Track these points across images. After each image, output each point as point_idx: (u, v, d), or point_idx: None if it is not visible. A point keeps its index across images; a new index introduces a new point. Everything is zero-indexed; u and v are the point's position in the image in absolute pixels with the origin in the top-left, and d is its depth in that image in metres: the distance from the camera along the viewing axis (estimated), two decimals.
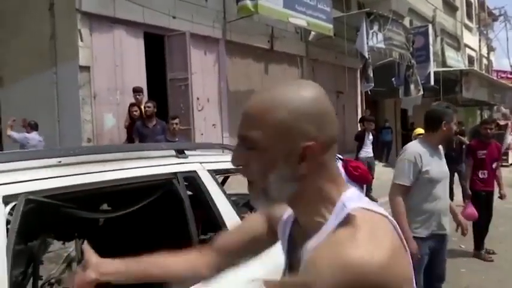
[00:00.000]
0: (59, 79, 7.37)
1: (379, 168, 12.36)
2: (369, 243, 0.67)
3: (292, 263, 0.88)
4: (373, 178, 8.07)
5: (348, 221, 0.72)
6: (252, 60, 9.76)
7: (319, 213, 0.77)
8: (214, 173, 1.82)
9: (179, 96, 7.64)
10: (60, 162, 1.41)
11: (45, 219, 1.41)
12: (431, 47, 13.87)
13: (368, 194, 7.96)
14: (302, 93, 0.76)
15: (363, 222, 0.71)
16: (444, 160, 2.78)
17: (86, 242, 0.90)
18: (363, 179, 5.58)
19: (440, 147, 2.83)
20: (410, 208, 2.68)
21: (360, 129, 8.77)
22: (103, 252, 2.48)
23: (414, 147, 2.75)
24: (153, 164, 1.61)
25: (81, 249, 2.53)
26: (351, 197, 0.78)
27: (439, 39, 18.13)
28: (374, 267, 0.64)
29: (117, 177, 1.45)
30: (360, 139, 8.00)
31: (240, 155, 0.77)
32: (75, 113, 6.87)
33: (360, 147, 7.89)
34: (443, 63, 17.75)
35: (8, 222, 1.17)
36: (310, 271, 0.69)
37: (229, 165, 2.09)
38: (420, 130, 8.53)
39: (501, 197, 4.94)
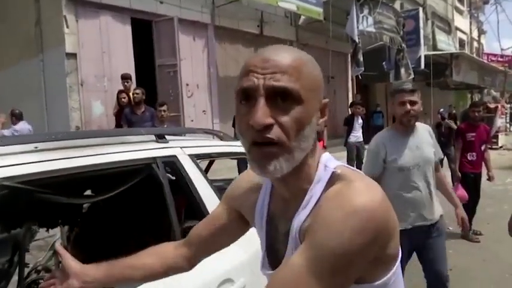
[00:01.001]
0: (45, 66, 7.28)
1: None
2: (367, 191, 0.71)
3: (272, 242, 0.88)
4: (362, 163, 8.14)
5: (337, 177, 0.76)
6: (242, 46, 9.70)
7: (306, 179, 0.79)
8: (195, 157, 1.82)
9: (168, 82, 7.59)
10: (36, 148, 1.40)
11: (23, 206, 1.41)
12: (421, 31, 13.85)
13: None
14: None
15: (351, 175, 0.76)
16: (427, 146, 2.51)
17: (58, 244, 0.81)
18: None
19: (424, 132, 2.56)
20: None
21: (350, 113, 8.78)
22: (86, 239, 2.48)
23: (379, 135, 2.59)
24: (132, 149, 1.61)
25: (67, 237, 2.54)
26: (328, 158, 0.81)
27: (429, 22, 18.11)
28: (380, 209, 0.69)
29: (96, 162, 1.45)
30: (349, 123, 8.02)
31: (269, 111, 0.71)
32: (63, 101, 6.81)
33: (349, 132, 7.91)
34: (434, 47, 17.76)
35: None
36: (322, 232, 0.68)
37: (212, 150, 2.10)
38: None
39: (489, 178, 5.02)
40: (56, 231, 2.64)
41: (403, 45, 12.31)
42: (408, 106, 2.37)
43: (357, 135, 7.89)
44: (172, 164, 1.70)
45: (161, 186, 1.59)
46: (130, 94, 6.13)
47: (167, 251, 1.06)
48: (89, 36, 6.92)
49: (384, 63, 12.81)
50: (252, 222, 0.96)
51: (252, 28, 9.73)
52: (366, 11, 10.31)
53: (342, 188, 0.73)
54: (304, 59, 0.76)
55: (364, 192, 0.70)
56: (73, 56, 6.80)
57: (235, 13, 9.06)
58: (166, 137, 1.83)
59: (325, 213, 0.70)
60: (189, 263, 1.05)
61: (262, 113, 0.70)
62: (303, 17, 10.66)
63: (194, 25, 8.49)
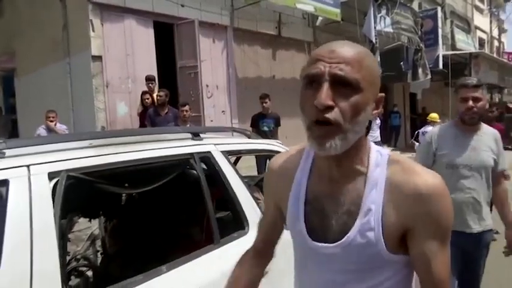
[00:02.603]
0: (72, 69, 7.57)
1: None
2: (427, 172, 0.91)
3: (315, 219, 0.95)
4: None
5: (393, 161, 0.92)
6: (260, 47, 9.84)
7: (361, 162, 0.92)
8: (227, 153, 1.99)
9: (189, 83, 7.79)
10: (91, 144, 1.58)
11: (81, 195, 1.59)
12: (440, 30, 13.76)
13: None
14: None
15: (405, 159, 0.94)
16: (486, 150, 2.28)
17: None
18: None
19: (488, 136, 2.32)
20: None
21: None
22: (124, 229, 2.66)
23: (436, 128, 2.51)
24: (172, 145, 1.78)
25: (104, 227, 2.73)
26: (376, 146, 0.97)
27: (448, 21, 17.92)
28: (443, 184, 0.90)
29: (140, 157, 1.63)
30: None
31: (331, 95, 0.82)
32: (89, 102, 7.07)
33: (367, 132, 7.96)
34: (453, 47, 17.57)
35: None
36: (439, 219, 0.87)
37: (241, 147, 2.26)
38: (434, 115, 8.60)
39: (504, 177, 5.05)
40: (95, 223, 2.85)
41: (421, 45, 12.26)
42: (470, 103, 2.20)
43: (374, 135, 7.96)
44: (207, 159, 1.87)
45: (198, 179, 1.75)
46: (154, 95, 6.35)
47: (250, 273, 1.13)
48: (113, 39, 7.17)
49: (401, 63, 12.77)
50: (285, 203, 1.02)
51: (270, 30, 9.87)
52: (383, 12, 10.33)
53: (413, 178, 0.89)
54: (366, 54, 0.88)
55: (425, 172, 0.91)
56: (98, 58, 7.05)
57: (253, 15, 9.21)
58: (200, 135, 2.00)
59: (432, 210, 0.87)
60: (263, 270, 1.16)
61: (325, 95, 0.82)
62: (320, 18, 10.74)
63: (214, 27, 8.67)
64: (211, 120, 8.50)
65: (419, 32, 12.18)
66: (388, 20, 10.43)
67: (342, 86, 0.83)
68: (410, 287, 0.98)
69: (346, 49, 0.86)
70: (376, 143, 5.49)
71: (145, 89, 6.86)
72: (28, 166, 1.27)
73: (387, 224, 0.88)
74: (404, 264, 0.92)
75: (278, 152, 2.41)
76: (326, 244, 0.93)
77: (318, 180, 0.97)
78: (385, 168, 0.91)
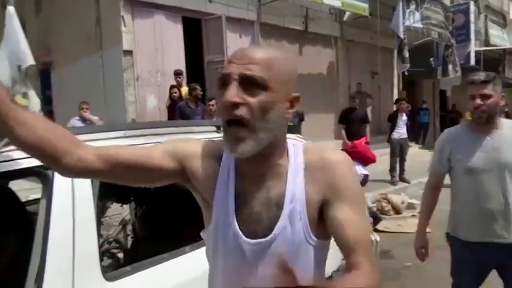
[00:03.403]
0: (104, 63, 7.87)
1: (415, 150, 12.28)
2: (334, 149, 1.03)
3: (245, 214, 0.95)
4: (404, 160, 8.13)
5: (308, 149, 1.00)
6: (287, 42, 9.89)
7: (281, 157, 0.96)
8: None
9: (216, 78, 7.92)
10: (125, 134, 1.73)
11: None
12: (472, 25, 13.38)
13: (401, 175, 8.04)
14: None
15: (315, 145, 1.05)
16: (508, 148, 2.03)
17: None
18: (359, 157, 5.76)
19: (510, 132, 2.07)
20: (451, 204, 2.22)
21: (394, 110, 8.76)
22: (152, 215, 2.82)
23: (447, 130, 2.28)
24: (199, 137, 1.91)
25: (134, 213, 2.91)
26: (290, 140, 1.02)
27: (482, 16, 17.36)
28: (348, 157, 1.00)
29: None
30: (392, 120, 8.03)
31: (239, 93, 0.86)
32: (120, 95, 7.35)
33: (392, 128, 7.94)
34: (486, 42, 17.02)
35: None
36: (347, 187, 0.95)
37: None
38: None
39: None
40: (126, 209, 3.03)
41: (452, 40, 11.97)
42: (478, 101, 2.00)
43: (400, 131, 7.89)
44: None
45: None
46: (182, 89, 6.55)
47: (70, 139, 0.93)
48: (144, 34, 7.41)
49: (431, 59, 12.53)
50: (205, 192, 0.99)
51: (297, 25, 9.90)
52: (412, 7, 10.17)
53: (323, 155, 0.97)
54: (277, 56, 0.92)
55: (335, 151, 1.01)
56: (129, 53, 7.31)
57: (280, 10, 9.26)
58: None
59: (336, 175, 0.95)
60: (75, 164, 0.91)
61: (232, 93, 0.85)
62: (347, 13, 10.67)
63: (241, 23, 8.78)
64: None
65: (450, 27, 11.90)
66: (417, 15, 10.26)
67: (250, 84, 0.86)
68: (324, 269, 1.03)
69: (257, 51, 0.90)
70: (403, 139, 5.49)
71: (174, 83, 7.06)
72: None
73: (309, 203, 0.94)
74: (325, 248, 1.01)
75: None
76: (254, 240, 0.93)
77: (244, 177, 0.97)
78: (301, 157, 0.97)
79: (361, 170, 5.79)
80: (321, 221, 0.96)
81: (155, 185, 1.08)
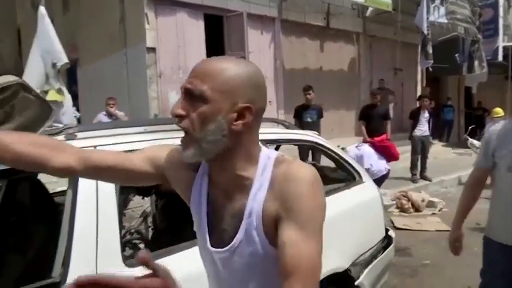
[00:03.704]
0: (128, 60, 8.06)
1: (438, 147, 12.07)
2: (304, 166, 0.93)
3: (215, 223, 0.99)
4: (426, 158, 8.02)
5: (280, 162, 0.95)
6: (308, 39, 9.87)
7: (245, 169, 0.94)
8: (266, 142, 2.16)
9: None
10: (145, 129, 1.82)
11: None
12: (501, 20, 12.97)
13: (422, 173, 7.93)
14: (246, 64, 0.93)
15: (288, 159, 0.97)
16: None
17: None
18: (386, 153, 5.73)
19: None
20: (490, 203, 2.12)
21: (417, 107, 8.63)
22: (172, 207, 2.91)
23: (495, 125, 2.16)
24: None
25: (155, 204, 3.02)
26: (269, 151, 0.99)
27: None
28: (318, 176, 0.92)
29: None
30: (414, 117, 7.92)
31: (182, 105, 0.89)
32: (143, 91, 7.53)
33: (414, 125, 7.82)
34: None
35: None
36: (298, 205, 0.88)
37: (279, 136, 2.42)
38: (498, 110, 8.22)
39: None
40: (147, 201, 3.15)
41: (479, 36, 11.66)
42: None
43: (422, 129, 7.78)
44: None
45: None
46: None
47: (50, 146, 1.03)
48: (166, 31, 7.55)
49: (456, 55, 12.24)
50: (184, 197, 1.06)
51: (319, 21, 9.85)
52: (437, 1, 9.96)
53: (288, 169, 0.91)
54: (224, 66, 0.90)
55: (304, 166, 0.93)
56: (152, 50, 7.47)
57: (302, 6, 9.24)
58: None
59: (290, 192, 0.88)
60: (60, 168, 1.02)
61: (177, 106, 0.90)
62: (370, 8, 10.54)
63: (262, 19, 8.81)
64: None
65: (477, 22, 11.59)
66: (442, 10, 10.04)
67: (192, 98, 0.89)
68: None
69: (205, 65, 0.91)
70: (425, 137, 5.41)
71: None
72: (95, 147, 1.52)
73: (266, 218, 0.91)
74: None
75: (314, 142, 2.55)
76: (219, 249, 0.97)
77: (214, 186, 1.00)
78: (270, 170, 0.94)
79: (384, 164, 5.74)
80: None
81: (138, 184, 1.16)
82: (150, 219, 3.13)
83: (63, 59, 4.98)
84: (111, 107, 6.50)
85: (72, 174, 1.08)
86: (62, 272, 1.38)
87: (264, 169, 0.95)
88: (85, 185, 1.45)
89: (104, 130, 1.69)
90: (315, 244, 0.87)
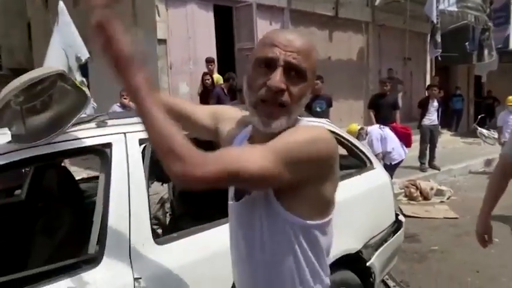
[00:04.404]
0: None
1: (447, 137, 12.06)
2: (318, 128, 1.00)
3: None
4: (435, 147, 8.05)
5: (305, 124, 1.04)
6: (317, 29, 9.87)
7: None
8: None
9: (246, 65, 8.08)
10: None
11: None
12: None
13: (431, 162, 7.98)
14: None
15: (309, 123, 1.06)
16: None
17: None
18: (406, 139, 5.76)
19: None
20: None
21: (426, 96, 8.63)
22: (189, 193, 3.01)
23: None
24: None
25: (172, 191, 3.14)
26: (303, 122, 1.06)
27: None
28: (327, 142, 0.96)
29: None
30: (423, 106, 7.94)
31: (283, 80, 0.93)
32: (154, 82, 7.62)
33: (423, 115, 7.84)
34: None
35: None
36: (281, 136, 0.94)
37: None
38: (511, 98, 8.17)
39: None
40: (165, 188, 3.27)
41: (490, 24, 11.55)
42: None
43: (431, 118, 7.80)
44: None
45: None
46: (214, 76, 6.77)
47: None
48: (177, 23, 7.62)
49: (466, 43, 12.15)
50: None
51: (327, 10, 9.85)
52: None
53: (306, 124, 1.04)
54: (313, 47, 1.00)
55: (316, 128, 0.99)
56: (163, 41, 7.56)
57: None
58: None
59: (291, 131, 0.97)
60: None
61: (280, 79, 0.92)
62: None
63: (271, 10, 8.84)
64: None
65: (488, 10, 11.47)
66: None
67: (293, 72, 0.94)
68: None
69: (299, 40, 0.96)
70: (433, 126, 5.40)
71: (205, 70, 7.27)
72: (125, 133, 1.63)
73: None
74: (305, 228, 1.00)
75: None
76: (234, 202, 1.09)
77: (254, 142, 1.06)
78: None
79: (405, 150, 5.64)
80: (295, 194, 0.97)
81: (193, 135, 1.20)
82: (167, 206, 3.25)
83: (85, 53, 5.17)
84: (125, 99, 6.62)
85: None
86: (98, 249, 1.50)
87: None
88: (117, 170, 1.56)
89: (131, 118, 1.79)
90: (265, 154, 0.88)
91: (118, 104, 6.68)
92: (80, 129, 1.56)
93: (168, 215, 3.23)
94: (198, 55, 7.82)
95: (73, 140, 1.51)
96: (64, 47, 5.29)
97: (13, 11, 23.49)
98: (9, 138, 1.42)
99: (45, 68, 1.41)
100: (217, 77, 7.07)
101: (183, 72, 7.80)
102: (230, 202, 1.10)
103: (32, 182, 2.66)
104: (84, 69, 10.82)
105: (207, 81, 6.90)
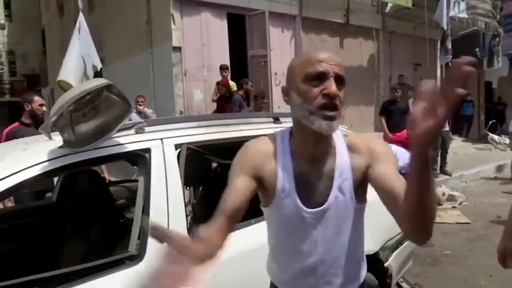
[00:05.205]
0: (154, 59, 8.36)
1: (458, 143, 12.06)
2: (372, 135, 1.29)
3: (306, 189, 1.19)
4: (447, 152, 8.09)
5: (343, 134, 1.26)
6: (328, 36, 10.00)
7: (332, 140, 1.22)
8: None
9: (259, 72, 8.24)
10: (198, 124, 2.05)
11: (193, 163, 2.06)
12: None
13: (442, 168, 8.02)
14: None
15: (351, 133, 1.33)
16: None
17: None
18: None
19: None
20: None
21: None
22: (211, 198, 3.15)
23: None
24: (258, 127, 2.21)
25: (194, 194, 3.26)
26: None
27: None
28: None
29: (235, 136, 2.08)
30: None
31: (336, 87, 1.11)
32: (169, 89, 7.81)
33: None
34: None
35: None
36: (385, 153, 1.19)
37: None
38: None
39: None
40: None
41: (500, 30, 11.58)
42: None
43: None
44: None
45: None
46: (230, 83, 6.97)
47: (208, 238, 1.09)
48: (191, 31, 7.80)
49: (477, 49, 12.18)
50: (272, 184, 1.19)
51: (338, 18, 9.98)
52: None
53: (359, 136, 1.28)
54: None
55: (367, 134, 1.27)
56: (178, 49, 7.73)
57: (321, 4, 9.38)
58: (280, 119, 2.41)
59: (375, 145, 1.20)
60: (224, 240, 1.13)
61: (335, 87, 1.11)
62: (390, 5, 10.60)
63: (283, 17, 8.99)
64: (279, 107, 8.88)
65: (498, 16, 11.51)
66: (462, 4, 10.03)
67: (339, 81, 1.13)
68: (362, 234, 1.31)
69: (335, 55, 1.16)
70: (444, 132, 5.49)
71: (219, 77, 7.42)
72: (162, 139, 1.76)
73: (355, 172, 1.19)
74: (363, 210, 1.26)
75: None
76: (314, 209, 1.19)
77: (301, 160, 1.20)
78: (343, 139, 1.23)
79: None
80: (363, 186, 1.21)
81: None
82: (188, 208, 3.37)
83: (99, 62, 5.43)
84: (140, 105, 6.78)
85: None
86: (139, 246, 1.63)
87: (337, 139, 1.22)
88: (156, 173, 1.69)
89: (165, 125, 1.93)
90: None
91: (134, 110, 6.84)
92: (122, 136, 1.69)
93: (189, 217, 3.34)
94: (212, 62, 7.98)
95: (116, 145, 1.65)
96: (84, 55, 5.53)
97: (28, 18, 24.02)
98: (61, 143, 1.55)
99: (96, 79, 1.54)
100: (232, 83, 7.22)
101: (197, 79, 7.97)
102: (307, 210, 1.19)
103: (63, 185, 2.80)
104: (98, 75, 11.13)
105: (221, 90, 7.08)
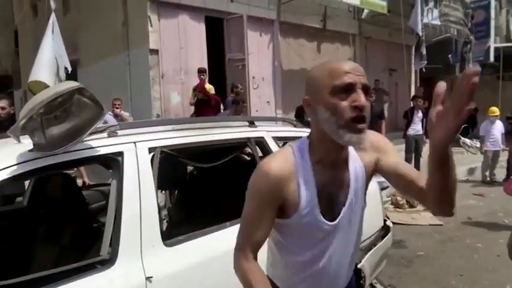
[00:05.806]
0: (131, 61, 8.25)
1: None
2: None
3: (328, 201, 1.20)
4: (420, 156, 8.29)
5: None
6: (305, 40, 10.12)
7: (347, 147, 1.22)
8: (276, 139, 2.40)
9: (237, 75, 8.24)
10: (173, 128, 2.05)
11: (166, 167, 2.05)
12: (492, 22, 13.32)
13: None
14: None
15: None
16: None
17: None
18: None
19: None
20: None
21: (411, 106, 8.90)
22: (185, 201, 3.14)
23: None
24: (234, 131, 2.22)
25: (170, 198, 3.24)
26: None
27: (504, 11, 17.17)
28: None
29: (210, 139, 2.08)
30: (408, 116, 8.19)
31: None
32: (146, 92, 7.73)
33: (408, 125, 8.08)
34: (507, 38, 16.84)
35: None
36: (387, 144, 1.29)
37: (288, 134, 2.66)
38: (494, 109, 8.52)
39: None
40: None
41: (471, 37, 11.99)
42: None
43: (416, 128, 8.04)
44: (260, 143, 2.29)
45: (254, 158, 2.18)
46: (206, 86, 6.93)
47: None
48: (169, 33, 7.75)
49: (449, 55, 12.57)
50: (294, 201, 1.17)
51: (316, 23, 10.11)
52: (431, 4, 10.26)
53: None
54: None
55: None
56: (155, 51, 7.67)
57: (299, 8, 9.48)
58: (255, 123, 2.42)
59: (377, 140, 1.28)
60: None
61: (364, 98, 1.08)
62: (366, 11, 10.82)
63: (261, 21, 9.04)
64: (257, 110, 8.93)
65: (469, 24, 11.92)
66: (435, 12, 10.35)
67: (365, 91, 1.10)
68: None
69: (358, 65, 1.14)
70: (418, 135, 5.65)
71: (197, 80, 7.37)
72: (135, 143, 1.75)
73: (367, 168, 1.25)
74: (363, 213, 1.31)
75: None
76: (334, 222, 1.21)
77: (322, 171, 1.19)
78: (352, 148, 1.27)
79: None
80: (367, 185, 1.28)
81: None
82: (164, 212, 3.34)
83: (69, 65, 5.38)
84: (117, 108, 6.68)
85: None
86: (111, 251, 1.61)
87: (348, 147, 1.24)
88: (129, 176, 1.67)
89: (139, 128, 1.91)
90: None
91: (110, 113, 6.72)
92: (95, 139, 1.67)
93: (165, 221, 3.32)
94: (190, 65, 7.95)
95: (88, 149, 1.62)
96: (56, 56, 5.40)
97: (0, 18, 23.31)
98: (31, 147, 1.52)
99: (67, 82, 1.52)
100: (209, 87, 7.19)
101: (174, 82, 7.91)
102: (329, 223, 1.20)
103: (34, 189, 2.74)
104: (72, 77, 10.90)
105: (197, 95, 7.06)
